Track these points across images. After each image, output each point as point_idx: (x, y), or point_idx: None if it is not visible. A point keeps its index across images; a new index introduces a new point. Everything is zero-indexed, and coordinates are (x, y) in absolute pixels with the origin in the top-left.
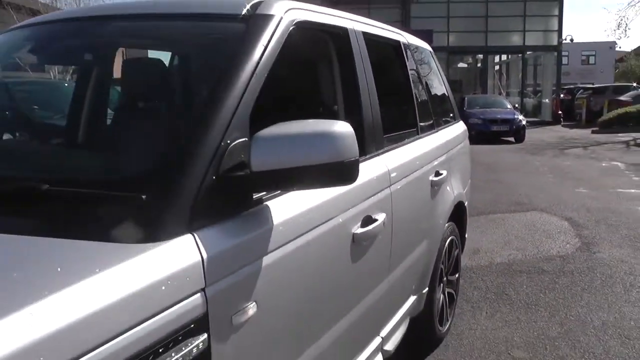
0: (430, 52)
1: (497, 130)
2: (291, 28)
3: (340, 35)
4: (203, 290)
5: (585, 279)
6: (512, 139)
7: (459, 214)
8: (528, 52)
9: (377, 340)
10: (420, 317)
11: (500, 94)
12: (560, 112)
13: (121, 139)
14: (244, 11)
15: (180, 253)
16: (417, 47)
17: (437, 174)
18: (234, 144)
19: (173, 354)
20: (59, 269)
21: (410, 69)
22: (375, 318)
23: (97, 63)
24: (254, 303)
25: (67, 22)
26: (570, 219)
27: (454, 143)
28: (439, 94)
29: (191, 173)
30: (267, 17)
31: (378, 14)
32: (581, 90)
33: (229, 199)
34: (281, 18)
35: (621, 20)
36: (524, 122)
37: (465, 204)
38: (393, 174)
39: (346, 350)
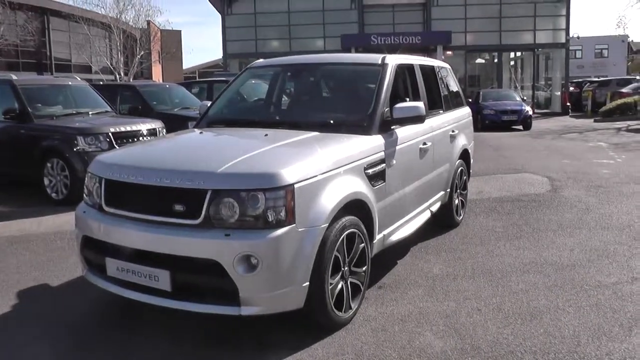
0: (449, 69)
1: (507, 120)
2: (396, 67)
3: (411, 67)
4: (383, 151)
5: (547, 203)
6: (520, 127)
7: (466, 156)
8: (539, 49)
9: (429, 201)
10: (446, 206)
11: (515, 87)
12: (568, 103)
13: (352, 108)
14: (379, 62)
15: (377, 140)
16: (443, 67)
17: (453, 131)
18: (385, 109)
19: (376, 166)
20: (341, 141)
21: (439, 79)
22: (428, 189)
23: (316, 80)
24: (395, 160)
25: (295, 65)
26: (550, 176)
27: (462, 117)
28: (454, 90)
29: (377, 118)
30: (388, 64)
31: (401, 17)
32: (588, 84)
33: (385, 127)
34: (393, 64)
35: (620, 20)
36: (530, 113)
37: (470, 152)
38: (433, 127)
39: (420, 196)
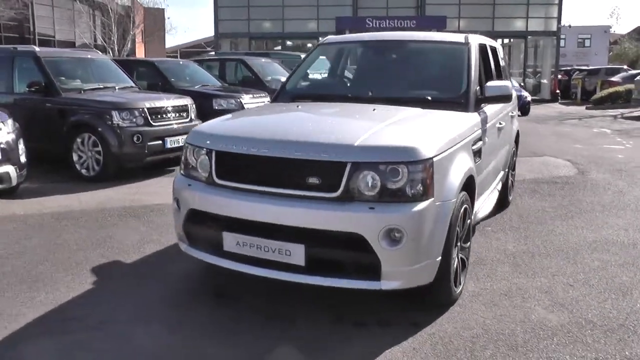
0: (501, 49)
1: None
2: (478, 45)
3: (484, 47)
4: (480, 129)
5: (581, 185)
6: (519, 113)
7: (517, 139)
8: (530, 37)
9: (497, 180)
10: (504, 185)
11: None
12: (558, 91)
13: (445, 85)
14: (464, 40)
15: (476, 117)
16: (499, 47)
17: (512, 113)
18: (477, 87)
19: (477, 143)
20: (453, 118)
21: (500, 59)
22: (498, 169)
23: (400, 57)
24: (487, 138)
25: (376, 42)
26: (570, 160)
27: (515, 100)
28: (507, 71)
29: (471, 96)
30: (471, 43)
31: (395, 1)
32: (577, 72)
33: (477, 105)
34: (476, 43)
35: (614, 10)
36: (529, 99)
37: (518, 137)
38: (503, 108)
39: (494, 175)
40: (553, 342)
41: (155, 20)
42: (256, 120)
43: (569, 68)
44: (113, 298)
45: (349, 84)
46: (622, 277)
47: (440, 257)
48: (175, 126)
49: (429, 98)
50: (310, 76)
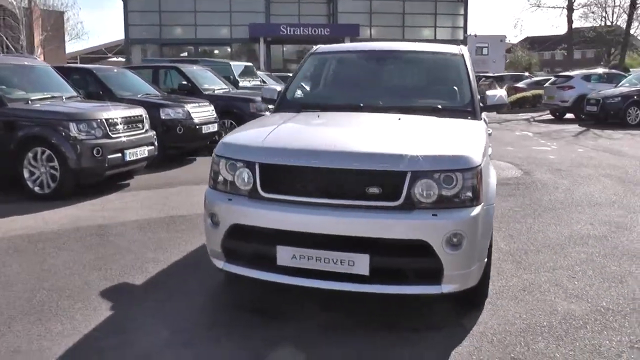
0: None
1: None
2: (468, 56)
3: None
4: (488, 136)
5: (533, 185)
6: None
7: None
8: None
9: None
10: None
11: None
12: None
13: (449, 94)
14: (457, 52)
15: (483, 124)
16: None
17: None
18: (477, 97)
19: (489, 149)
20: (473, 126)
21: None
22: None
23: (400, 67)
24: (490, 147)
25: (373, 52)
26: (511, 162)
27: None
28: None
29: (476, 105)
30: (464, 53)
31: (307, 9)
32: (483, 79)
33: (479, 113)
34: (467, 54)
35: (517, 22)
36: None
37: None
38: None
39: None
40: (588, 330)
41: (57, 24)
42: (291, 130)
43: (479, 75)
44: (142, 323)
45: (352, 93)
46: (611, 266)
47: (486, 259)
48: (132, 138)
49: (440, 107)
50: (316, 85)
